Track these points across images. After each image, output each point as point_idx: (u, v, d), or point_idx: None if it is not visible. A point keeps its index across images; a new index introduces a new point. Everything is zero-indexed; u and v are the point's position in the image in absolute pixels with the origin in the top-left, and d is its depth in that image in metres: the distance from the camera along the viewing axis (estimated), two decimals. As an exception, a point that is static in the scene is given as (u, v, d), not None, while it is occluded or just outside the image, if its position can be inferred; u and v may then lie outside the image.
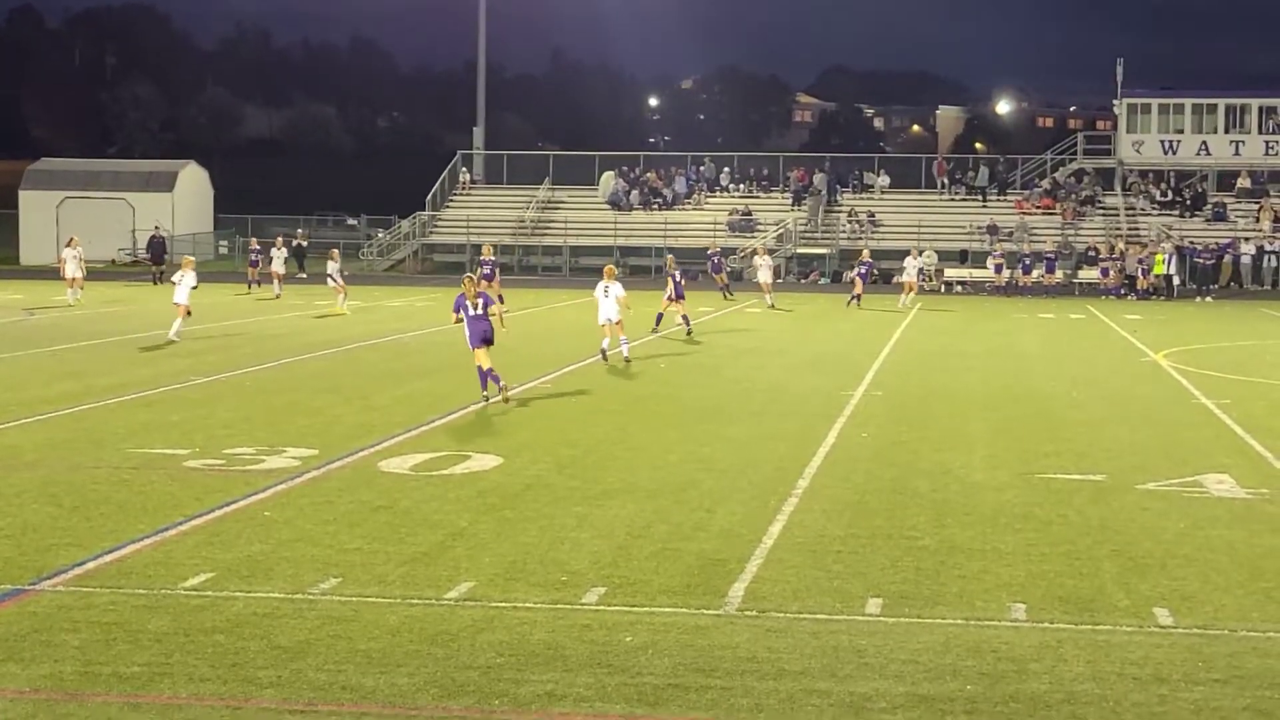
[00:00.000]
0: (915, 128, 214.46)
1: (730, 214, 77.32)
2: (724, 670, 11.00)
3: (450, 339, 34.24)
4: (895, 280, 56.82)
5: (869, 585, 13.40)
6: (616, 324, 32.84)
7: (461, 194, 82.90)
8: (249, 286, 57.91)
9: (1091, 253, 67.96)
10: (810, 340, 40.00)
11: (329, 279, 48.26)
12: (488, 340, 25.43)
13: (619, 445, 21.38)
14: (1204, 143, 77.06)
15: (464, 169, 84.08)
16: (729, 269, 58.29)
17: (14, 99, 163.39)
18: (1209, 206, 75.22)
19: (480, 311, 25.49)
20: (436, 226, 79.62)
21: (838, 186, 79.54)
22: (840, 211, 77.25)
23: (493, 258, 49.85)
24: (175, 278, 38.07)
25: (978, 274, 67.13)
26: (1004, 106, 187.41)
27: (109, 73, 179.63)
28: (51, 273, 54.54)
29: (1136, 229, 73.36)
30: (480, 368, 25.36)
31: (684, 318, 39.35)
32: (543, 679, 10.75)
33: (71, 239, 52.07)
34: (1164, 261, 63.38)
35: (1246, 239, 70.96)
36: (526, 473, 18.88)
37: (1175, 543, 15.28)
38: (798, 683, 10.76)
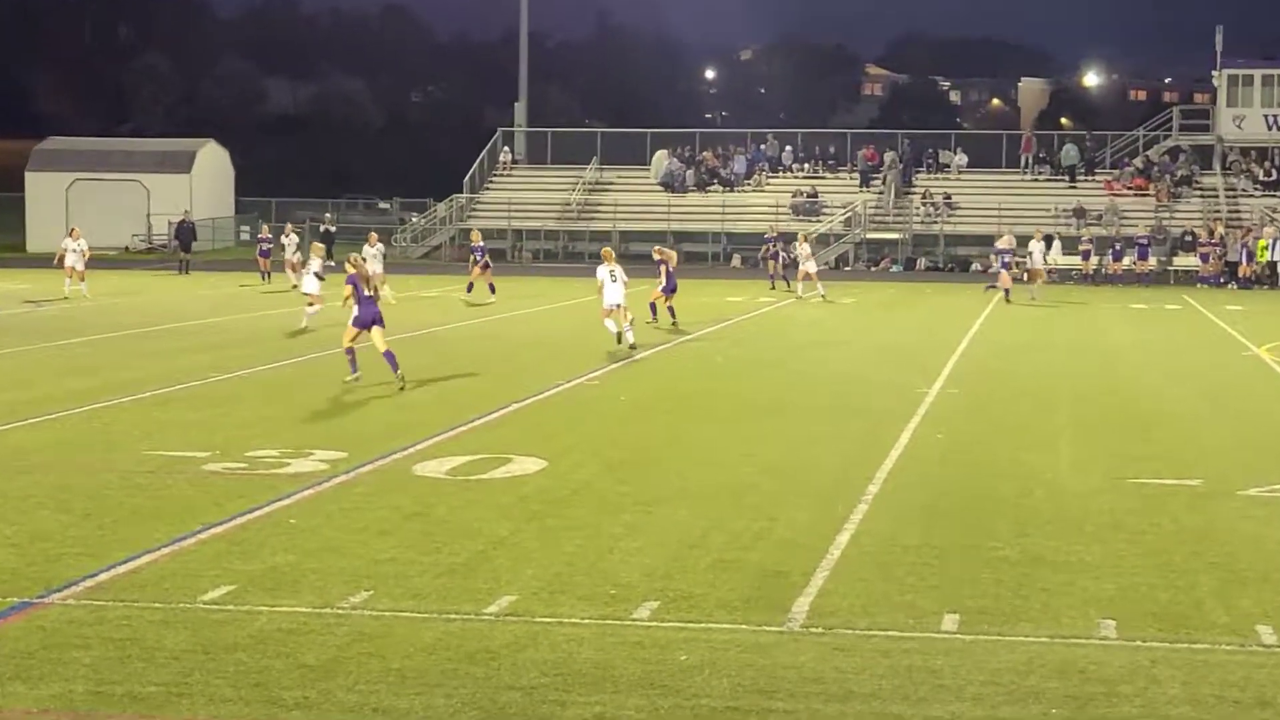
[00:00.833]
0: (995, 101, 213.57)
1: (794, 196, 77.23)
2: (786, 692, 11.00)
3: (491, 332, 34.39)
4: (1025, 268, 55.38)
5: (944, 600, 13.38)
6: (623, 309, 33.54)
7: (502, 175, 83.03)
8: (262, 278, 57.94)
9: (1188, 238, 67.63)
10: (879, 332, 39.97)
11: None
12: (378, 322, 27.40)
13: (672, 447, 21.39)
14: (1314, 117, 76.61)
15: (504, 148, 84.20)
16: (787, 256, 57.62)
17: (20, 73, 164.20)
18: (1318, 187, 74.79)
19: (372, 293, 27.55)
20: (475, 210, 79.65)
21: (911, 166, 79.34)
22: (914, 193, 77.05)
23: (482, 243, 50.50)
24: (300, 263, 41.26)
25: (1064, 261, 66.86)
26: (1092, 78, 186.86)
27: (121, 44, 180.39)
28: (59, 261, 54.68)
29: (1237, 212, 72.96)
30: (352, 349, 27.54)
31: (670, 308, 39.71)
32: (590, 701, 10.78)
33: (73, 229, 52.30)
34: (1268, 247, 63.00)
35: (1359, 222, 70.50)
36: (572, 477, 18.92)
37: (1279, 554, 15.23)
38: (867, 705, 10.75)
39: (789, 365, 31.69)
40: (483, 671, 11.37)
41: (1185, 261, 66.20)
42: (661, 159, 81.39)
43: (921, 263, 72.82)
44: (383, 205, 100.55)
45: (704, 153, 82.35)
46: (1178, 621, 12.81)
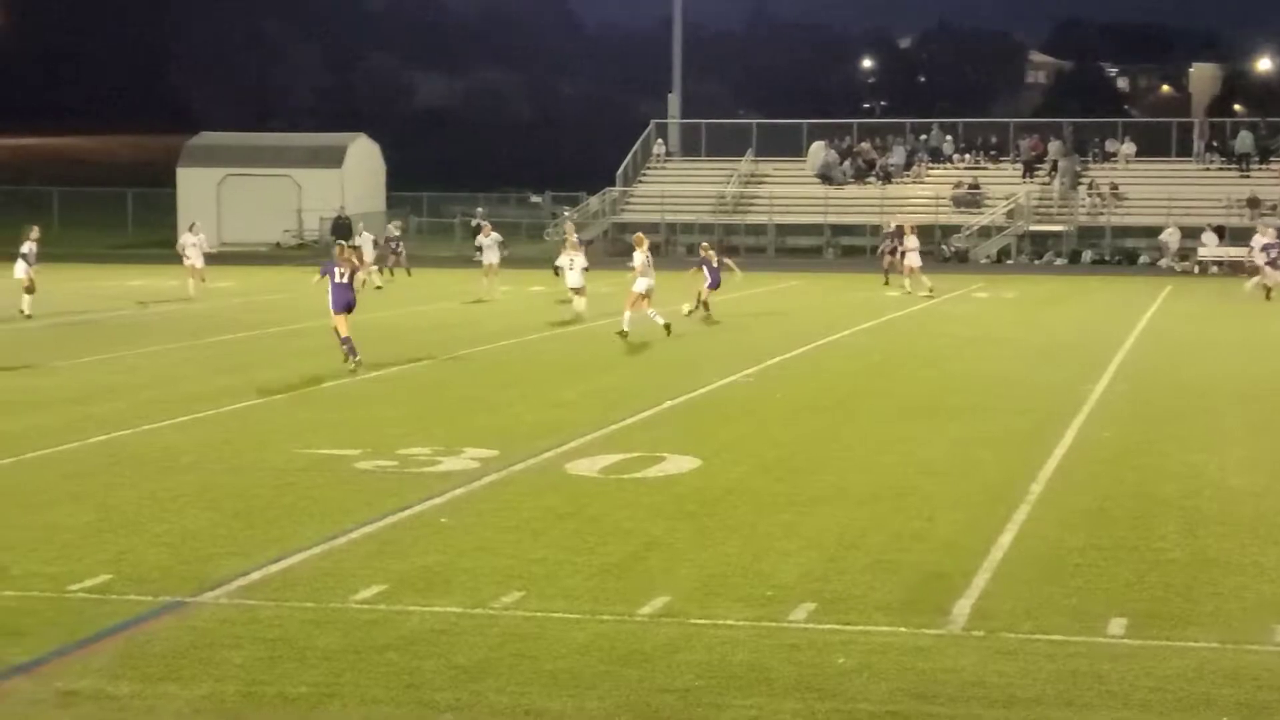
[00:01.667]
0: (1165, 88, 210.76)
1: (955, 187, 76.72)
2: (947, 697, 10.97)
3: (641, 327, 34.40)
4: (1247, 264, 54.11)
5: (1111, 603, 13.27)
6: (647, 296, 35.25)
7: (655, 167, 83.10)
8: (385, 272, 57.39)
9: (1368, 228, 66.37)
10: (1042, 328, 39.62)
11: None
12: (350, 308, 28.91)
13: (829, 445, 21.37)
14: None
15: (658, 140, 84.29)
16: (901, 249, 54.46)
17: (169, 69, 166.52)
18: None
19: (346, 279, 28.86)
20: (628, 204, 79.84)
21: (1077, 156, 78.51)
22: (1080, 183, 76.21)
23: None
24: (563, 261, 41.21)
25: (1235, 253, 65.72)
26: (1267, 63, 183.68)
27: (270, 39, 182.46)
28: (211, 258, 55.32)
29: None
30: (338, 333, 28.86)
31: (704, 303, 40.75)
32: (746, 704, 10.81)
33: (193, 224, 52.60)
34: None
35: None
36: (727, 476, 18.95)
37: None
38: (1030, 711, 10.70)
39: (948, 364, 31.51)
40: (636, 673, 11.43)
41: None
42: (818, 150, 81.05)
43: (1087, 255, 71.94)
44: (535, 199, 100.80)
45: (862, 143, 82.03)
46: (1356, 627, 12.64)
